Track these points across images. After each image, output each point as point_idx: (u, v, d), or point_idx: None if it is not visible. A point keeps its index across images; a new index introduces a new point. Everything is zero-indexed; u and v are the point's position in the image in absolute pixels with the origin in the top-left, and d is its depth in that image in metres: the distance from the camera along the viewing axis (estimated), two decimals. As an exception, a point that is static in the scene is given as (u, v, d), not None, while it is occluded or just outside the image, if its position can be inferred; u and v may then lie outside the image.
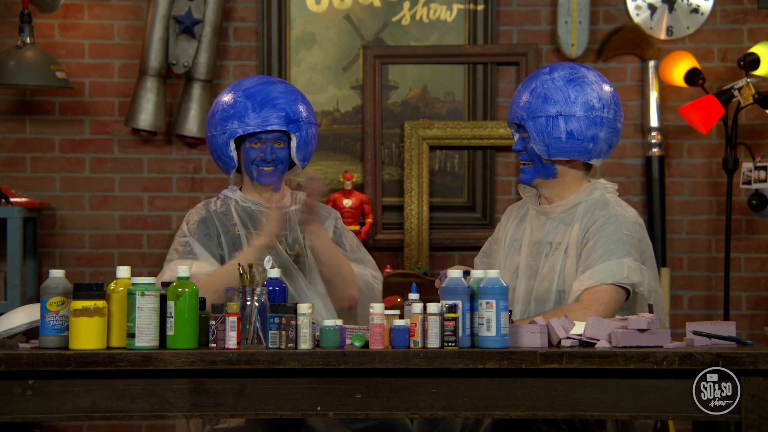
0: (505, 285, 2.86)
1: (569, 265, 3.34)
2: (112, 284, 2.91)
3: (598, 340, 2.88)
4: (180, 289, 2.85)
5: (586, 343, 2.89)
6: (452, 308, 2.84)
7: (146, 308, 2.83)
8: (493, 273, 2.87)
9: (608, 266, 3.23)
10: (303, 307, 2.85)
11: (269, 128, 3.41)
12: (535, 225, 3.45)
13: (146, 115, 5.11)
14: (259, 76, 3.53)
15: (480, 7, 5.24)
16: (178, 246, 3.45)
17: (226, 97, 3.45)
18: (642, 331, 2.85)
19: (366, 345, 2.87)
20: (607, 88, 3.38)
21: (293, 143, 3.45)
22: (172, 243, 3.49)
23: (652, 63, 5.21)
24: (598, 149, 3.35)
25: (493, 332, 2.83)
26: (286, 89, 3.46)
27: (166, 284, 2.91)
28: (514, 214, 3.58)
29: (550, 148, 3.33)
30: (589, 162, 3.39)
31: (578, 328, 2.92)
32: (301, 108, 3.45)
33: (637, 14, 5.25)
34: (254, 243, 3.39)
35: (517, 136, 3.43)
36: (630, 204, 5.16)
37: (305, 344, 2.84)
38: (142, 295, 2.83)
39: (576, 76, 3.36)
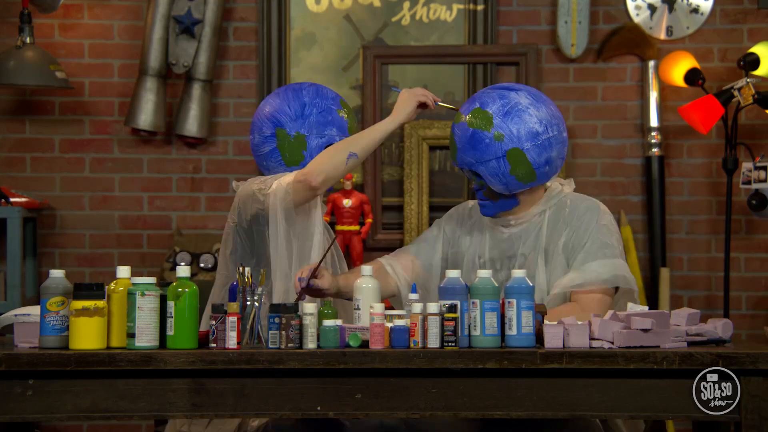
0: (531, 285, 2.88)
1: (552, 270, 3.33)
2: (112, 284, 2.91)
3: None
4: (180, 289, 2.85)
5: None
6: (452, 308, 2.84)
7: (146, 308, 2.83)
8: (519, 273, 2.88)
9: (597, 266, 3.24)
10: (309, 307, 2.85)
11: None
12: (496, 239, 3.42)
13: (146, 115, 5.12)
14: (314, 84, 3.58)
15: (480, 7, 5.24)
16: None
17: (315, 100, 3.46)
18: (645, 331, 2.85)
19: (363, 345, 2.87)
20: (541, 107, 3.29)
21: None
22: None
23: (651, 63, 5.21)
24: (554, 168, 3.32)
25: (514, 331, 2.85)
26: None
27: (165, 284, 2.91)
28: (460, 224, 3.51)
29: (509, 185, 3.30)
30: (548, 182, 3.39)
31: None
32: None
33: (637, 14, 5.25)
34: (390, 119, 3.38)
35: (473, 177, 3.35)
36: (630, 204, 5.21)
37: (312, 344, 2.84)
38: (142, 295, 2.83)
39: (509, 107, 3.28)
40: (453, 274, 2.90)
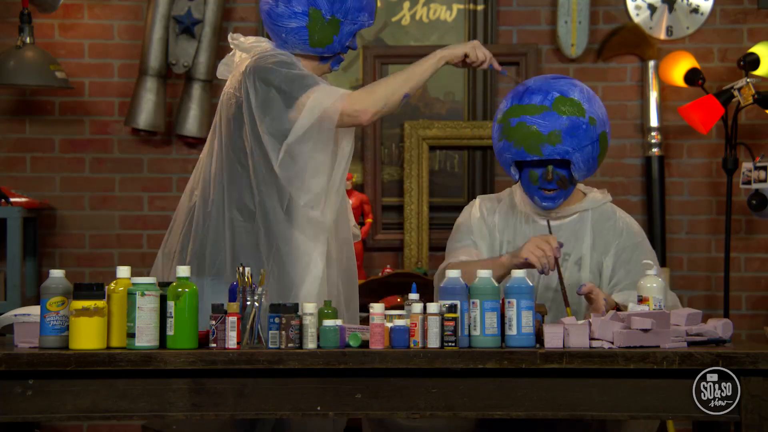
0: (530, 284, 2.88)
1: (584, 276, 3.35)
2: (112, 284, 2.91)
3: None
4: (180, 289, 2.85)
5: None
6: (452, 308, 2.84)
7: (146, 308, 2.83)
8: (519, 273, 2.89)
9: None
10: (309, 307, 2.85)
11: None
12: (533, 231, 3.43)
13: (146, 115, 5.12)
14: None
15: (480, 7, 5.24)
16: None
17: None
18: (645, 331, 2.85)
19: (362, 345, 2.87)
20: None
21: None
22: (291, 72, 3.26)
23: (651, 63, 5.21)
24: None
25: (514, 331, 2.85)
26: None
27: (165, 284, 2.91)
28: (493, 211, 3.51)
29: (590, 170, 3.36)
30: None
31: None
32: None
33: (637, 14, 5.25)
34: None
35: (549, 170, 3.32)
36: (630, 204, 5.21)
37: (312, 344, 2.84)
38: (142, 295, 2.83)
39: (587, 93, 3.38)
40: (453, 274, 2.90)
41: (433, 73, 3.32)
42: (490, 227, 3.48)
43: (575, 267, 3.38)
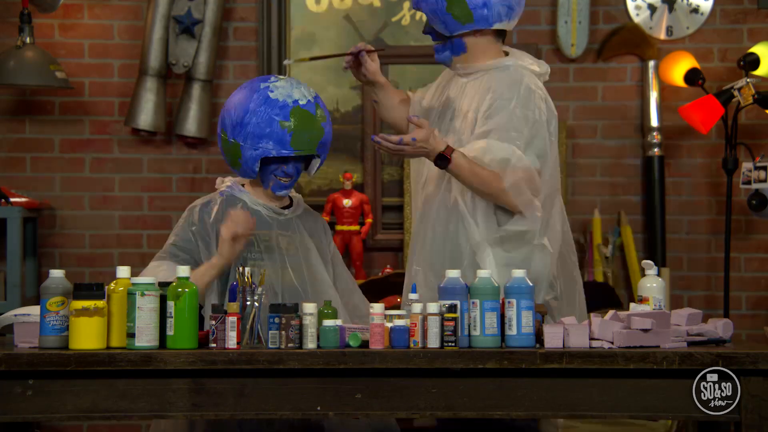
0: (530, 284, 2.88)
1: (466, 129, 3.39)
2: (112, 284, 2.91)
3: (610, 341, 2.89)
4: (180, 289, 2.85)
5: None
6: (452, 308, 2.84)
7: (146, 308, 2.83)
8: (519, 273, 2.89)
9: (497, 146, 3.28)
10: (309, 307, 2.85)
11: (303, 154, 3.34)
12: (450, 89, 3.50)
13: (146, 115, 5.11)
14: (283, 80, 3.44)
15: (480, 7, 5.24)
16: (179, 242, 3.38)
17: (259, 108, 3.32)
18: (645, 331, 2.85)
19: (362, 345, 2.87)
20: None
21: (316, 161, 3.43)
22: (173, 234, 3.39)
23: (651, 63, 5.21)
24: (495, 13, 3.39)
25: (514, 331, 2.85)
26: (320, 104, 3.40)
27: (165, 284, 2.91)
28: (444, 79, 3.59)
29: (447, 25, 3.39)
30: (493, 28, 3.41)
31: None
32: (329, 126, 3.40)
33: (637, 14, 5.25)
34: (213, 261, 3.27)
35: (425, 19, 3.45)
36: (630, 204, 5.21)
37: (312, 344, 2.84)
38: (142, 295, 2.83)
39: None
40: (453, 274, 2.90)
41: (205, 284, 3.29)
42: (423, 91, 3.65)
43: (462, 120, 3.41)
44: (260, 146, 3.30)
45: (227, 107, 3.38)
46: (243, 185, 3.47)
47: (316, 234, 3.50)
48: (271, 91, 3.33)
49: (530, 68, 3.44)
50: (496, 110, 3.32)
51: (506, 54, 3.48)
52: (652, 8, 5.25)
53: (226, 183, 3.49)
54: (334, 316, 2.96)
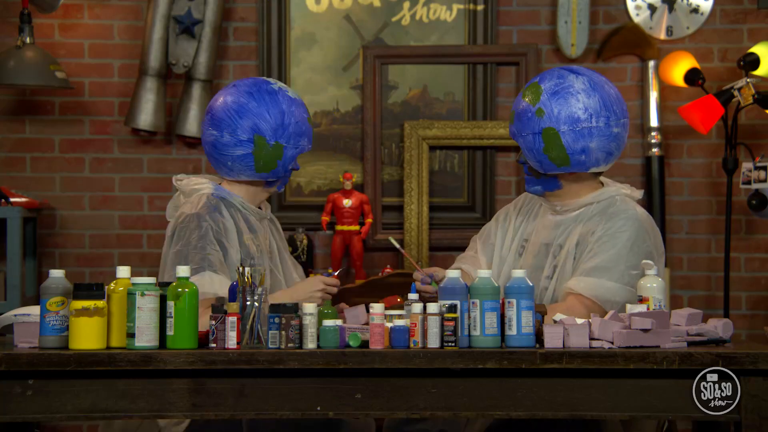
0: (531, 284, 2.88)
1: (568, 265, 3.35)
2: (112, 284, 2.91)
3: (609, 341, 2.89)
4: (180, 289, 2.85)
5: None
6: (452, 308, 2.84)
7: (146, 308, 2.83)
8: (519, 273, 2.89)
9: (603, 285, 3.24)
10: (309, 307, 2.85)
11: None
12: (544, 224, 3.45)
13: (146, 115, 5.11)
14: (273, 79, 3.58)
15: (480, 7, 5.24)
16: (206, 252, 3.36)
17: (290, 109, 3.44)
18: (645, 331, 2.85)
19: (362, 345, 2.87)
20: (595, 95, 3.29)
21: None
22: (190, 244, 3.36)
23: (652, 63, 5.21)
24: (593, 159, 3.30)
25: (514, 331, 2.85)
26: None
27: (165, 284, 2.91)
28: (516, 209, 3.56)
29: (542, 164, 3.32)
30: (589, 172, 3.37)
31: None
32: None
33: (637, 14, 5.25)
34: (287, 293, 3.37)
35: (520, 152, 3.41)
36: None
37: (312, 344, 2.84)
38: (142, 295, 2.84)
39: (561, 87, 3.29)
40: (453, 274, 2.90)
41: None
42: (502, 232, 3.53)
43: (565, 256, 3.37)
44: (300, 144, 3.46)
45: (253, 112, 3.41)
46: (219, 185, 3.52)
47: (278, 229, 3.67)
48: (286, 91, 3.47)
49: (630, 194, 3.43)
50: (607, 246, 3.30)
51: (602, 184, 3.45)
52: (652, 8, 5.25)
53: (198, 182, 3.50)
54: (334, 316, 2.97)
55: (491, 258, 3.54)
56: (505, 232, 3.54)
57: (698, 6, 5.24)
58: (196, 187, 3.50)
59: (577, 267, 3.31)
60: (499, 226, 3.57)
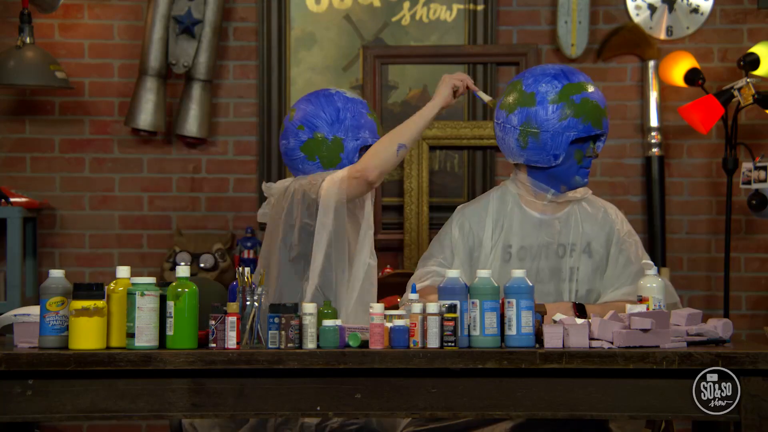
0: (530, 284, 2.89)
1: (591, 265, 3.41)
2: (112, 284, 2.91)
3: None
4: (180, 289, 2.85)
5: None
6: (451, 308, 2.84)
7: (146, 308, 2.83)
8: (519, 272, 2.89)
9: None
10: (309, 307, 2.85)
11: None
12: (529, 226, 3.44)
13: (146, 115, 5.11)
14: (338, 89, 3.71)
15: (480, 7, 5.24)
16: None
17: (346, 105, 3.57)
18: (645, 331, 2.85)
19: (362, 345, 2.87)
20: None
21: None
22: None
23: (651, 63, 5.21)
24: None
25: (513, 331, 2.85)
26: None
27: (165, 284, 2.91)
28: (477, 221, 3.49)
29: None
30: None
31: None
32: None
33: (637, 14, 5.25)
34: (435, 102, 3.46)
35: (594, 146, 3.52)
36: (630, 204, 5.21)
37: (312, 344, 2.84)
38: (142, 295, 2.84)
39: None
40: (452, 274, 2.90)
41: (428, 122, 3.44)
42: (472, 241, 3.48)
43: (585, 255, 3.40)
44: (360, 136, 3.54)
45: (309, 113, 3.55)
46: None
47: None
48: (344, 93, 3.63)
49: None
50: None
51: None
52: (652, 8, 5.25)
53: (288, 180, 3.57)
54: (334, 316, 2.97)
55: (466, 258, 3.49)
56: (479, 243, 3.47)
57: (698, 6, 5.24)
58: (282, 188, 3.55)
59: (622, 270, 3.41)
60: (465, 240, 3.47)
